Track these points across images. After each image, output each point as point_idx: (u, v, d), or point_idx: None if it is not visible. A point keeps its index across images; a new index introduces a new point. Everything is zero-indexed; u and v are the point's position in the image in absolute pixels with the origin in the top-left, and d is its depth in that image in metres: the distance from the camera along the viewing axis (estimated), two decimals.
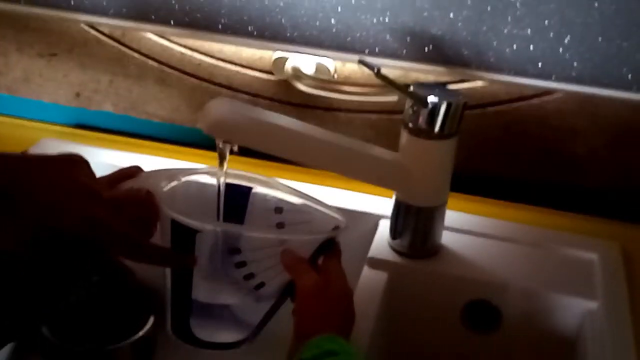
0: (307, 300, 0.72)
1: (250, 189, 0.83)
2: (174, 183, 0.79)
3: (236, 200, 0.82)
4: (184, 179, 0.80)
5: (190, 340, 0.77)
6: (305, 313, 0.72)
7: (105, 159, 1.03)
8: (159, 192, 0.75)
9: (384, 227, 0.91)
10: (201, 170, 0.82)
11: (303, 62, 1.01)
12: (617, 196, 1.01)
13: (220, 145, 0.75)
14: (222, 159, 0.76)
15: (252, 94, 1.07)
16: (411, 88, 0.82)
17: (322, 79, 1.02)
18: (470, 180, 1.02)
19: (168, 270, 0.76)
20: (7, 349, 0.81)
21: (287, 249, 0.74)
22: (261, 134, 0.76)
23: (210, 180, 0.81)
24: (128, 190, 0.78)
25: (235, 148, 0.75)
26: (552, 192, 1.03)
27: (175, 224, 0.72)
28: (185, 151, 1.09)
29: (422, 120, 0.81)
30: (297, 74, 1.01)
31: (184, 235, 0.72)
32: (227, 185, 0.79)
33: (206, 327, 0.78)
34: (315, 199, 0.81)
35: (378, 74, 0.78)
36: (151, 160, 1.03)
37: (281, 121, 0.78)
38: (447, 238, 0.90)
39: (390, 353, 0.90)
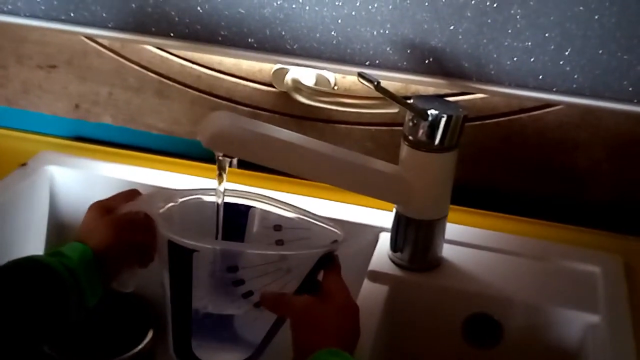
0: (301, 320, 0.72)
1: (248, 207, 0.82)
2: (170, 204, 0.79)
3: (235, 219, 0.81)
4: (181, 199, 0.80)
5: None
6: (301, 329, 0.71)
7: (104, 171, 1.03)
8: (155, 214, 0.74)
9: (385, 240, 0.91)
10: (198, 191, 0.81)
11: (303, 74, 1.01)
12: (619, 208, 1.01)
13: (220, 158, 0.74)
14: (221, 172, 0.75)
15: (252, 106, 1.07)
16: (411, 101, 0.82)
17: (322, 91, 1.01)
18: (471, 193, 1.02)
19: (167, 292, 0.75)
20: None
21: (263, 292, 0.74)
22: (260, 147, 0.76)
23: (208, 199, 0.80)
24: (126, 214, 0.78)
25: (235, 161, 0.75)
26: (553, 204, 1.02)
27: (171, 245, 0.72)
28: (184, 164, 1.08)
29: (422, 132, 0.81)
30: (297, 86, 1.01)
31: (181, 255, 0.72)
32: (226, 204, 0.78)
33: (208, 348, 0.77)
34: (314, 214, 0.80)
35: (378, 87, 0.78)
36: (150, 173, 1.03)
37: (281, 134, 0.78)
38: (448, 251, 0.90)
39: None
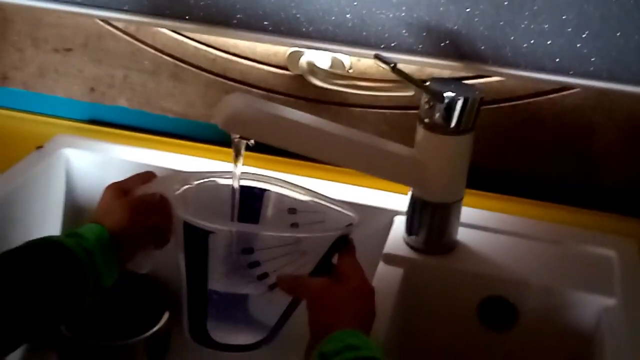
0: (318, 301, 0.72)
1: (264, 190, 0.82)
2: (186, 186, 0.79)
3: (250, 202, 0.82)
4: (196, 182, 0.80)
5: (208, 343, 0.77)
6: (317, 311, 0.71)
7: (120, 154, 1.03)
8: (171, 196, 0.74)
9: (400, 223, 0.91)
10: (214, 174, 0.81)
11: (318, 57, 1.01)
12: (634, 192, 1.00)
13: (236, 141, 0.75)
14: (237, 154, 0.75)
15: (267, 89, 1.07)
16: (427, 83, 0.82)
17: (337, 74, 1.01)
18: (487, 176, 1.02)
19: (183, 274, 0.76)
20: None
21: (280, 275, 0.74)
22: (276, 129, 0.76)
23: (223, 182, 0.81)
24: (142, 196, 0.78)
25: (251, 143, 0.75)
26: (568, 188, 1.02)
27: (187, 226, 0.72)
28: (199, 147, 1.08)
29: (438, 115, 0.80)
30: (312, 69, 1.01)
31: (197, 237, 0.72)
32: (241, 187, 0.79)
33: (224, 330, 0.77)
34: (328, 198, 0.80)
35: (394, 69, 0.78)
36: (165, 156, 1.03)
37: (296, 116, 0.78)
38: (463, 234, 0.89)
39: (405, 349, 0.89)
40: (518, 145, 1.02)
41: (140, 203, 0.78)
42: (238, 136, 0.74)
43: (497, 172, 1.03)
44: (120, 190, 0.79)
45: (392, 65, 0.77)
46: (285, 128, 0.76)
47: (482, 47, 0.93)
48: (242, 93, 1.02)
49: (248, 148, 0.76)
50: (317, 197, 0.81)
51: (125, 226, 0.75)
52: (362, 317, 0.71)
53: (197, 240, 0.72)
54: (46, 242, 0.71)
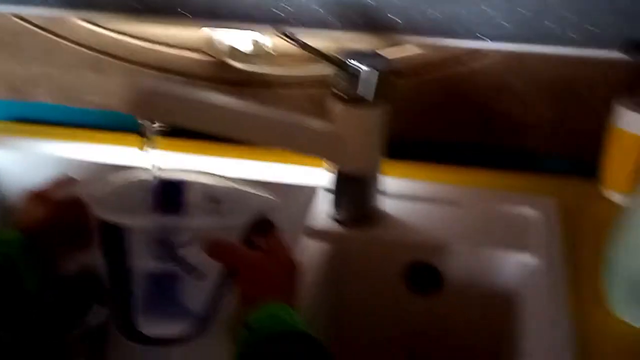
0: (251, 271, 0.71)
1: (183, 182, 0.82)
2: (105, 185, 0.78)
3: (171, 194, 0.81)
4: (115, 179, 0.80)
5: (139, 338, 0.77)
6: (250, 281, 0.71)
7: (45, 150, 1.02)
8: (88, 197, 0.74)
9: (322, 197, 0.91)
10: (133, 169, 0.81)
11: (238, 39, 1.00)
12: (556, 152, 1.02)
13: (144, 124, 0.74)
14: (146, 139, 0.75)
15: (189, 75, 1.06)
16: (340, 57, 0.82)
17: (258, 55, 1.01)
18: (410, 146, 1.02)
19: (106, 272, 0.75)
20: None
21: (211, 240, 0.72)
22: (184, 110, 0.76)
23: (144, 176, 0.80)
24: (61, 199, 0.78)
25: (156, 125, 0.74)
26: (492, 154, 1.03)
27: (104, 225, 0.72)
28: (124, 138, 1.07)
29: (351, 88, 0.81)
30: (233, 52, 1.01)
31: (115, 235, 0.72)
32: (161, 180, 0.78)
33: (153, 323, 0.77)
34: (247, 181, 0.80)
35: (304, 46, 0.78)
36: (91, 149, 1.03)
37: (205, 97, 0.78)
38: (386, 204, 0.90)
39: (334, 321, 0.90)
40: (440, 114, 1.02)
41: (59, 206, 0.78)
42: (146, 120, 0.74)
43: (420, 142, 1.04)
44: (38, 194, 0.79)
45: (300, 42, 0.77)
46: (193, 108, 0.76)
47: (394, 17, 0.93)
48: (148, 78, 1.02)
49: (165, 133, 0.76)
50: (235, 183, 0.81)
51: (45, 230, 0.75)
52: (289, 292, 0.72)
53: (115, 238, 0.72)
54: None
